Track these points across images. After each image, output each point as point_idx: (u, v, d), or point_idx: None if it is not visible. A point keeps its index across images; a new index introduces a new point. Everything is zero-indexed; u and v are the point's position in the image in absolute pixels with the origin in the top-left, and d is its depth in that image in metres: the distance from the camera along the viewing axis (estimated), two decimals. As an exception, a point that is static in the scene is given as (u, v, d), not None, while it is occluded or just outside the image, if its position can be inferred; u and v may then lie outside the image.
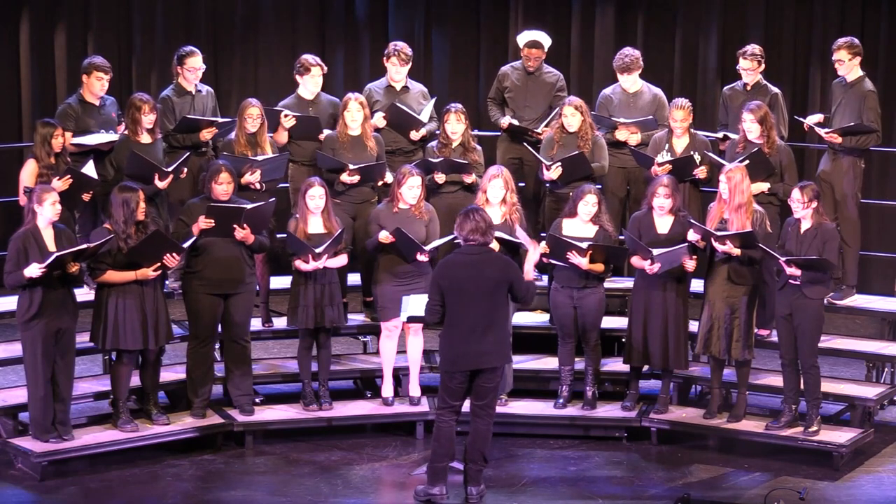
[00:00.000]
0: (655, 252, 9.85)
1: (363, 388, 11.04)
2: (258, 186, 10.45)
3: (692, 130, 10.79)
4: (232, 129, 10.70)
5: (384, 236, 10.08)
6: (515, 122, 11.33)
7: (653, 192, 10.08)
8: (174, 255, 9.51)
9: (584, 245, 9.94)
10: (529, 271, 8.98)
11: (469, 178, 10.75)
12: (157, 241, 9.48)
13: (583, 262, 9.96)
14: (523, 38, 11.54)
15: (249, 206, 9.83)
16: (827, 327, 10.15)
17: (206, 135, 10.76)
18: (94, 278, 9.54)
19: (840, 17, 13.84)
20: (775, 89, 11.07)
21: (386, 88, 11.27)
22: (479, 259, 8.72)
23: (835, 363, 11.13)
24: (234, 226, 9.78)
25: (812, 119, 11.02)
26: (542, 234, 10.73)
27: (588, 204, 10.08)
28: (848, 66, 10.78)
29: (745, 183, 9.82)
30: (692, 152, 10.62)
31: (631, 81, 11.24)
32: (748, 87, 11.05)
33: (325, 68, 11.08)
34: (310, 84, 11.04)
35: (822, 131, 10.78)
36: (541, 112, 11.37)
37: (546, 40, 11.48)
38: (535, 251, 9.08)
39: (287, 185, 11.13)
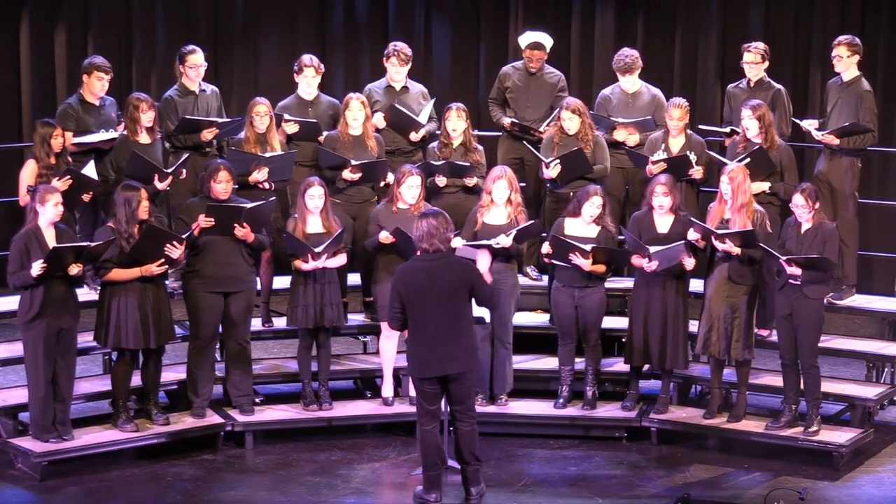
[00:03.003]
0: (653, 250, 9.86)
1: (363, 388, 11.04)
2: (266, 186, 10.46)
3: (688, 131, 10.79)
4: (234, 128, 10.71)
5: (384, 236, 10.09)
6: (517, 122, 11.34)
7: (651, 190, 10.09)
8: (174, 244, 9.50)
9: (588, 247, 9.94)
10: (485, 275, 8.90)
11: (471, 181, 10.75)
12: (153, 236, 9.47)
13: (585, 263, 9.96)
14: (525, 39, 11.54)
15: (249, 206, 9.83)
16: (827, 327, 10.15)
17: (207, 135, 10.75)
18: (100, 277, 9.55)
19: (840, 17, 13.84)
20: (778, 86, 11.06)
21: (386, 89, 11.27)
22: (436, 265, 8.67)
23: (835, 363, 11.13)
24: (234, 224, 9.78)
25: (807, 123, 10.99)
26: (543, 234, 10.73)
27: (593, 206, 10.09)
28: (846, 63, 10.77)
29: (746, 183, 9.83)
30: (688, 152, 10.62)
31: (631, 82, 11.24)
32: (751, 85, 11.03)
33: (321, 68, 11.05)
34: (303, 84, 11.04)
35: (818, 134, 10.77)
36: (542, 112, 11.37)
37: (548, 41, 11.48)
38: (485, 258, 8.99)
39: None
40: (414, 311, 8.67)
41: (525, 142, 11.19)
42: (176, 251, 9.50)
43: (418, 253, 8.77)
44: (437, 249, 8.70)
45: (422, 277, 8.65)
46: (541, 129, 11.21)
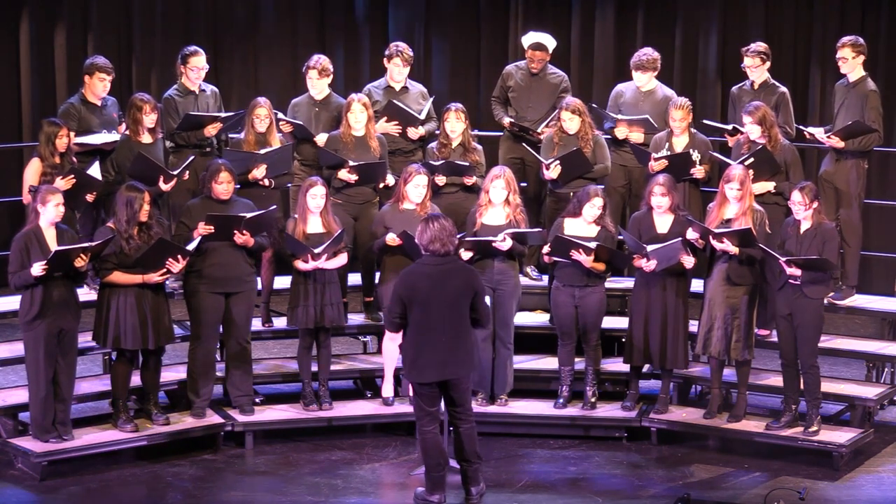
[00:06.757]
0: (650, 248, 9.85)
1: (363, 388, 11.04)
2: (266, 183, 10.46)
3: (692, 130, 10.79)
4: (237, 122, 10.73)
5: (391, 238, 10.07)
6: (515, 122, 11.33)
7: (649, 191, 10.09)
8: (178, 258, 9.52)
9: (592, 245, 9.94)
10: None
11: (470, 181, 10.76)
12: (161, 249, 9.50)
13: (587, 259, 9.96)
14: (528, 39, 11.54)
15: (249, 216, 9.82)
16: (827, 327, 10.16)
17: (211, 130, 10.78)
18: (101, 277, 9.56)
19: (840, 17, 13.84)
20: (783, 88, 11.04)
21: (385, 89, 11.27)
22: (441, 269, 8.61)
23: (835, 363, 11.14)
24: (234, 231, 9.79)
25: (811, 129, 10.95)
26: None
27: (594, 207, 10.08)
28: (851, 65, 10.75)
29: (751, 185, 9.86)
30: (691, 150, 10.62)
31: (645, 80, 11.22)
32: (755, 86, 11.02)
33: (327, 70, 11.01)
34: (309, 84, 11.06)
35: (823, 137, 10.74)
36: (543, 112, 11.37)
37: (550, 43, 11.48)
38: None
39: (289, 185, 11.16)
40: (416, 315, 8.61)
41: (525, 143, 11.19)
42: (177, 266, 9.53)
43: (424, 254, 8.72)
44: (447, 252, 8.66)
45: (427, 281, 8.59)
46: (539, 130, 11.21)
